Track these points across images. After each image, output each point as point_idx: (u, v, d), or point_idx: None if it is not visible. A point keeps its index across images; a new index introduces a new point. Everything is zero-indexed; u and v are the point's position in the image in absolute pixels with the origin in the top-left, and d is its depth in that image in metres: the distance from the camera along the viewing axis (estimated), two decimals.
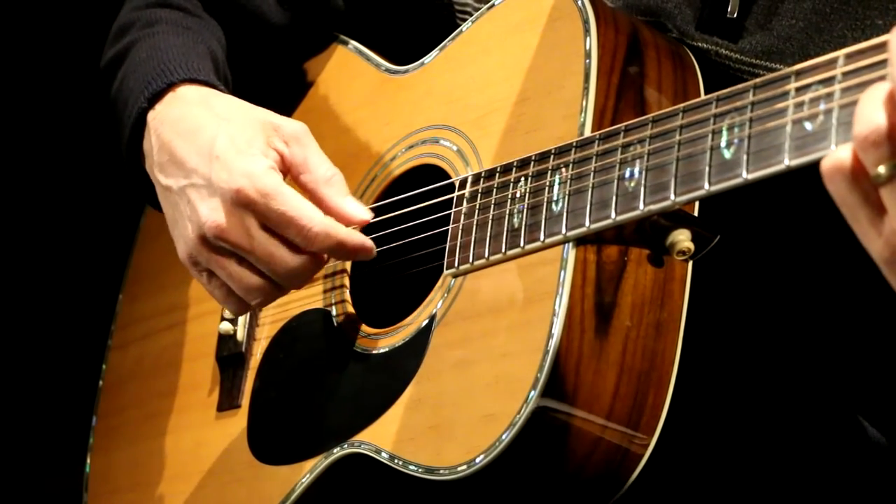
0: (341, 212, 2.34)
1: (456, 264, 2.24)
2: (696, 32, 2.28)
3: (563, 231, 2.09)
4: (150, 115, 2.44)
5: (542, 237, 2.12)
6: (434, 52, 2.48)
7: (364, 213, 2.35)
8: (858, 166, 1.72)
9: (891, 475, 2.32)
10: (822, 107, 1.81)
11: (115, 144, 2.54)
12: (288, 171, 2.35)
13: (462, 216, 2.26)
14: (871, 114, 1.69)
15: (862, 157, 1.71)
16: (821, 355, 2.31)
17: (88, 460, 2.79)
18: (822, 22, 2.21)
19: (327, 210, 2.34)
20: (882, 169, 1.70)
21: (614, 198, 2.02)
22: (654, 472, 2.16)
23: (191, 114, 2.40)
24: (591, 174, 2.07)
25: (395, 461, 2.24)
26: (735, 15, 2.25)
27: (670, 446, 2.16)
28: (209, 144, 2.34)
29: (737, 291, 2.27)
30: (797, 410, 2.30)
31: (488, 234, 2.21)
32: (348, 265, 2.48)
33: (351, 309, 2.44)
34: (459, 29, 2.44)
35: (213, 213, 2.31)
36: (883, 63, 1.74)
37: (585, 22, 2.21)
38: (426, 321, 2.29)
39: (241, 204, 2.28)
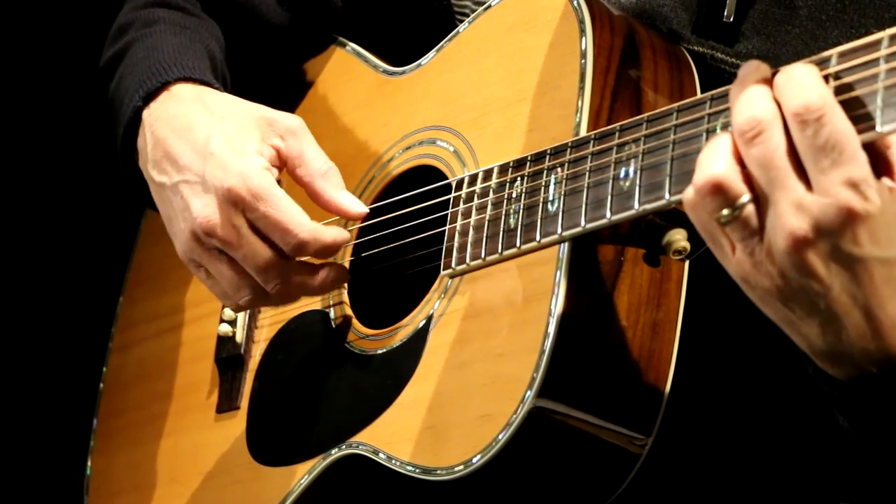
0: (337, 205, 2.34)
1: (453, 265, 2.24)
2: (692, 36, 2.28)
3: (559, 231, 2.08)
4: (145, 113, 2.44)
5: (537, 237, 2.12)
6: (431, 54, 2.48)
7: (360, 207, 2.35)
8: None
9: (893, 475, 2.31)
10: None
11: (112, 144, 2.54)
12: (284, 166, 2.35)
13: (459, 217, 2.26)
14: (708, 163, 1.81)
15: (702, 204, 1.83)
16: None
17: (89, 462, 2.79)
18: (817, 28, 2.21)
19: (323, 204, 2.34)
20: (725, 212, 1.82)
21: (609, 197, 2.02)
22: (651, 472, 2.16)
23: (186, 111, 2.40)
24: (587, 174, 2.07)
25: (393, 462, 2.24)
26: (731, 19, 2.25)
27: (668, 446, 2.16)
28: (204, 142, 2.34)
29: (735, 290, 2.26)
30: (796, 410, 2.29)
31: (485, 234, 2.20)
32: (346, 267, 2.48)
33: (349, 310, 2.44)
34: (456, 30, 2.44)
35: (204, 210, 2.31)
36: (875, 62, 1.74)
37: (581, 22, 2.21)
38: (423, 322, 2.29)
39: (232, 202, 2.28)
